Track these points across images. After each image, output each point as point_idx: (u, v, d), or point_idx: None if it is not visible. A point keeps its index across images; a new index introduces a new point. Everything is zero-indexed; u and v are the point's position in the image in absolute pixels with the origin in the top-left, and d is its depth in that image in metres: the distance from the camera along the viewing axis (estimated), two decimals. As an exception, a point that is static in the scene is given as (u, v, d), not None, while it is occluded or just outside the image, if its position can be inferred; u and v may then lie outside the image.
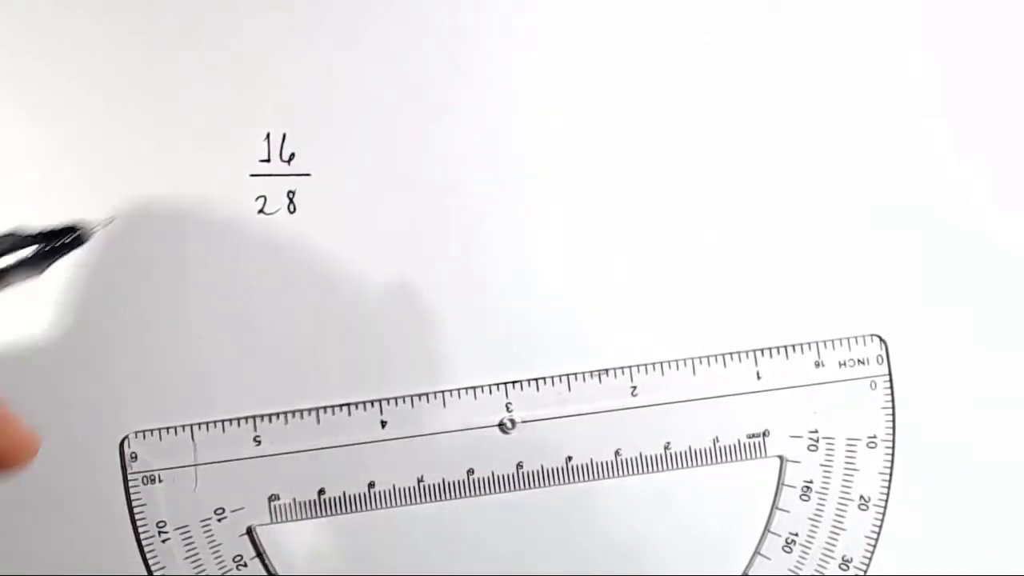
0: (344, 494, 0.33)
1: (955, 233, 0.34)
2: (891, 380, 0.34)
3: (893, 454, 0.34)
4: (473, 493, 0.33)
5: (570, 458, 0.34)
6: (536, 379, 0.34)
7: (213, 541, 0.33)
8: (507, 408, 0.34)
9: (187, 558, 0.33)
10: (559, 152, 0.34)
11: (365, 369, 0.34)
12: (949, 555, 0.34)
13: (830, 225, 0.34)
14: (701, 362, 0.34)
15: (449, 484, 0.33)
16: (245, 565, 0.33)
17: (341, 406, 0.34)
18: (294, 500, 0.33)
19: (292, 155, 0.34)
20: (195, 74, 0.34)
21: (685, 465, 0.34)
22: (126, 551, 0.33)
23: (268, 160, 0.34)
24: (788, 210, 0.34)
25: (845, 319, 0.34)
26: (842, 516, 0.33)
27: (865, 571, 0.33)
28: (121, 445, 0.33)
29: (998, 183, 0.35)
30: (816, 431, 0.34)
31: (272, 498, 0.33)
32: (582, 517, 0.34)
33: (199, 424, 0.33)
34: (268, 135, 0.34)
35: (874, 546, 0.33)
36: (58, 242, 0.28)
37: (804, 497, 0.33)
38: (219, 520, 0.33)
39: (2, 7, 0.34)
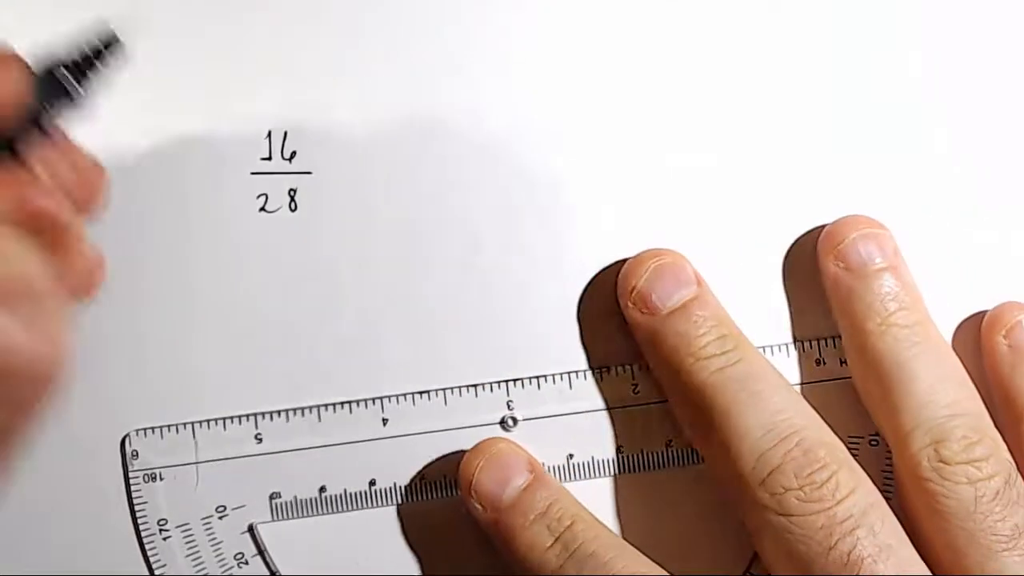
0: (345, 492, 0.33)
1: (955, 233, 0.35)
2: (892, 378, 0.34)
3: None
4: (475, 491, 0.33)
5: (571, 456, 0.34)
6: (537, 377, 0.34)
7: (214, 539, 0.33)
8: (508, 406, 0.34)
9: (188, 556, 0.33)
10: (559, 151, 0.34)
11: (366, 367, 0.34)
12: (950, 552, 0.33)
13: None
14: (702, 360, 0.34)
15: (451, 482, 0.33)
16: (246, 563, 0.33)
17: (342, 404, 0.33)
18: (295, 498, 0.33)
19: (293, 153, 0.34)
20: (196, 72, 0.34)
21: (687, 463, 0.34)
22: (127, 549, 0.33)
23: (269, 158, 0.34)
24: (788, 209, 0.34)
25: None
26: (843, 514, 0.33)
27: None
28: (122, 443, 0.33)
29: (998, 183, 0.35)
30: (817, 429, 0.34)
31: (273, 496, 0.33)
32: (583, 515, 0.34)
33: (200, 422, 0.33)
34: (269, 133, 0.34)
35: (875, 544, 0.33)
36: (91, 61, 0.28)
37: (805, 495, 0.33)
38: (220, 518, 0.33)
39: (2, 7, 0.34)
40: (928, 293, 0.33)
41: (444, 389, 0.34)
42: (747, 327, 0.33)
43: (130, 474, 0.33)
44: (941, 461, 0.31)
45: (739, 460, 0.30)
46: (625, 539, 0.33)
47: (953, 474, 0.30)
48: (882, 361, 0.32)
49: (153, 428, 0.33)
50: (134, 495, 0.33)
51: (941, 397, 0.31)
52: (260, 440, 0.33)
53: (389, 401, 0.34)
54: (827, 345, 0.34)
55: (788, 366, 0.34)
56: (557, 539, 0.31)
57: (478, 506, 0.32)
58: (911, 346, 0.32)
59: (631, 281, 0.33)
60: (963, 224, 0.35)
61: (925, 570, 0.30)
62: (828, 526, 0.29)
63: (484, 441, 0.33)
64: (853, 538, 0.29)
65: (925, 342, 0.32)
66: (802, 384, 0.34)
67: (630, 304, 0.33)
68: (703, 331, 0.32)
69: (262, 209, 0.34)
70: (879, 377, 0.32)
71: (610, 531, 0.33)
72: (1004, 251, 0.35)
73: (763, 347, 0.34)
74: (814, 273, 0.34)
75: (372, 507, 0.33)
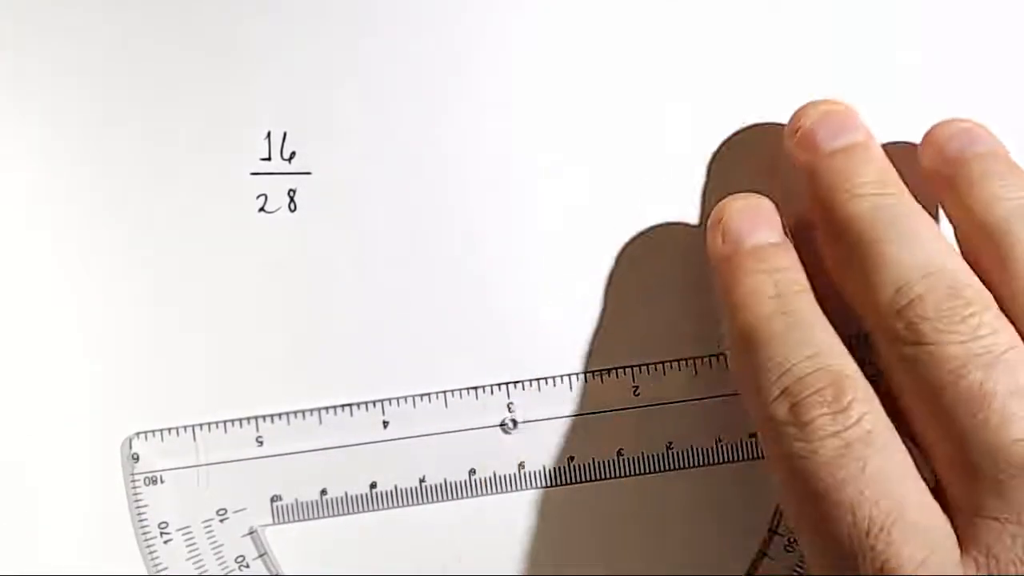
0: (346, 494, 0.33)
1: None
2: (893, 379, 0.34)
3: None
4: (475, 494, 0.33)
5: (572, 458, 0.34)
6: (538, 379, 0.34)
7: (215, 542, 0.33)
8: (509, 408, 0.34)
9: (189, 559, 0.33)
10: (562, 151, 0.34)
11: (366, 369, 0.34)
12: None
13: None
14: (703, 362, 0.34)
15: (451, 484, 0.33)
16: (248, 566, 0.33)
17: (343, 406, 0.34)
18: (296, 500, 0.33)
19: (293, 153, 0.34)
20: (195, 72, 0.34)
21: (688, 465, 0.34)
22: (128, 552, 0.33)
23: (269, 159, 0.34)
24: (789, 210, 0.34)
25: (845, 317, 0.34)
26: (844, 516, 0.33)
27: (867, 570, 0.33)
28: (123, 446, 0.33)
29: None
30: (818, 430, 0.34)
31: (275, 498, 0.33)
32: (584, 518, 0.34)
33: (201, 425, 0.33)
34: (269, 133, 0.34)
35: (876, 546, 0.33)
36: None
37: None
38: (221, 521, 0.33)
39: (2, 6, 0.33)
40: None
41: (444, 392, 0.34)
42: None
43: (131, 477, 0.33)
44: None
45: (877, 289, 0.29)
46: (625, 542, 0.33)
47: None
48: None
49: (154, 431, 0.33)
50: (135, 498, 0.33)
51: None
52: (261, 443, 0.33)
53: (390, 403, 0.34)
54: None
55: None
56: (780, 295, 0.30)
57: (719, 237, 0.31)
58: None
59: (798, 122, 0.32)
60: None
61: None
62: (963, 356, 0.27)
63: (741, 194, 0.32)
64: (988, 372, 0.27)
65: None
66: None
67: (794, 143, 0.32)
68: (864, 169, 0.31)
69: (261, 210, 0.34)
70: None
71: (824, 317, 0.30)
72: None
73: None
74: (814, 272, 0.34)
75: (373, 509, 0.33)
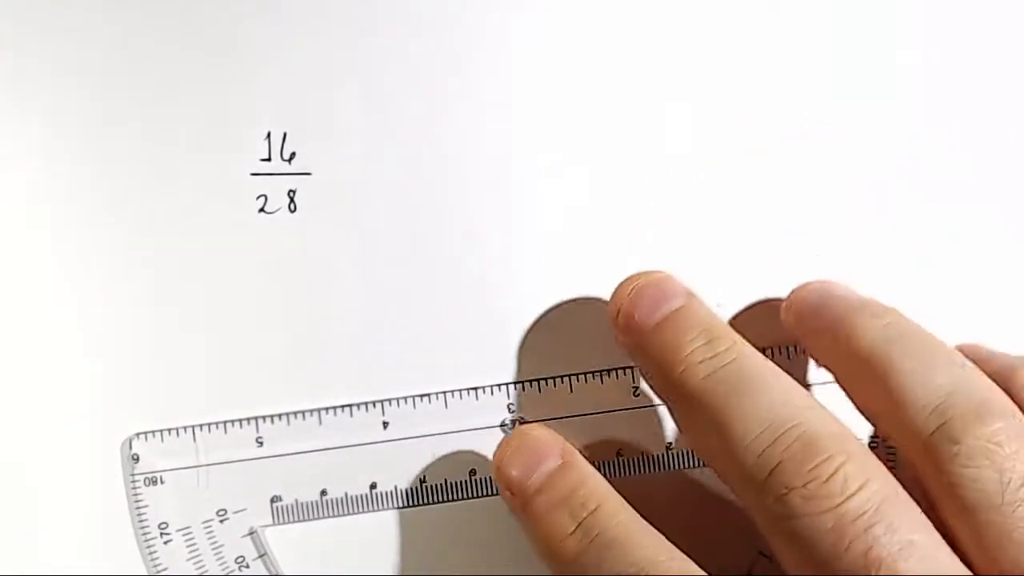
0: (346, 495, 0.33)
1: (951, 232, 0.34)
2: (893, 379, 0.34)
3: (894, 453, 0.34)
4: (475, 494, 0.33)
5: (572, 459, 0.34)
6: (538, 379, 0.34)
7: (216, 542, 0.33)
8: (509, 409, 0.34)
9: (190, 559, 0.33)
10: (562, 151, 0.34)
11: (366, 369, 0.34)
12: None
13: (829, 225, 0.34)
14: (703, 363, 0.34)
15: (451, 485, 0.33)
16: (248, 566, 0.33)
17: (343, 407, 0.34)
18: (296, 501, 0.33)
19: (293, 154, 0.34)
20: (195, 73, 0.34)
21: (687, 466, 0.34)
22: (128, 552, 0.33)
23: (269, 159, 0.34)
24: (788, 211, 0.34)
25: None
26: (844, 516, 0.33)
27: (867, 570, 0.34)
28: (123, 446, 0.33)
29: (997, 185, 0.35)
30: (818, 431, 0.34)
31: (274, 499, 0.33)
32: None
33: (201, 425, 0.33)
34: (269, 134, 0.34)
35: (876, 546, 0.33)
36: None
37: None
38: (221, 521, 0.33)
39: (2, 6, 0.33)
40: (926, 291, 0.33)
41: (444, 392, 0.34)
42: (747, 330, 0.33)
43: (131, 477, 0.33)
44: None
45: (739, 464, 0.28)
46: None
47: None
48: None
49: (154, 431, 0.33)
50: (135, 498, 0.33)
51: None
52: (261, 443, 0.33)
53: (390, 404, 0.34)
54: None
55: (789, 367, 0.34)
56: (579, 525, 0.30)
57: (507, 491, 0.31)
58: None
59: (616, 305, 0.32)
60: (959, 223, 0.34)
61: (957, 565, 0.27)
62: (840, 525, 0.27)
63: (520, 427, 0.32)
64: (869, 537, 0.27)
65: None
66: (803, 384, 0.34)
67: (616, 328, 0.32)
68: (690, 338, 0.30)
69: (261, 210, 0.34)
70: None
71: (637, 516, 0.30)
72: (1002, 251, 0.35)
73: (763, 348, 0.33)
74: (814, 274, 0.34)
75: (373, 510, 0.33)
